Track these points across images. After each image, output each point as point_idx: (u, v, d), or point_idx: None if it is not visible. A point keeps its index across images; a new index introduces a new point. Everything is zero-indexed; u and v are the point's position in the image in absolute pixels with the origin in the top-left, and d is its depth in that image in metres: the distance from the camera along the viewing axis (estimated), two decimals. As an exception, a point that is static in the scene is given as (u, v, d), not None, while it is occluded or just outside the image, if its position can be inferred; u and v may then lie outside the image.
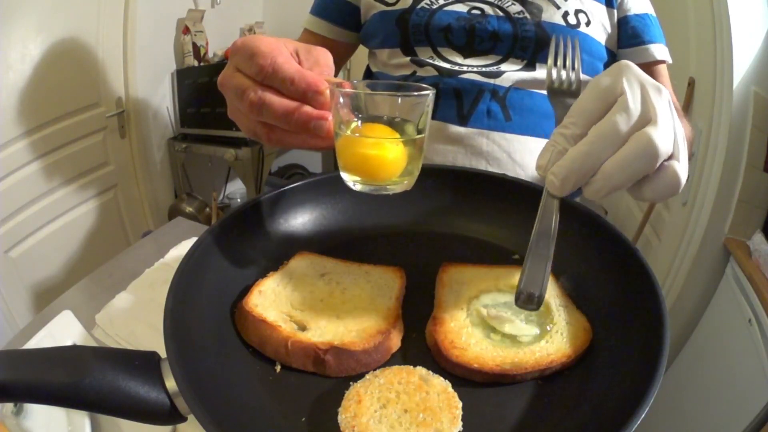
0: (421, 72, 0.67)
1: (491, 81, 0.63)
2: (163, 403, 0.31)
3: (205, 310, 0.39)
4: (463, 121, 0.64)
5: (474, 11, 0.66)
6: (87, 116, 1.50)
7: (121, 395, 0.30)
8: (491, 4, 0.66)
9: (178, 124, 1.87)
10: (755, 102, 1.14)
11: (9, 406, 0.47)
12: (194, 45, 1.82)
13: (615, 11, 0.67)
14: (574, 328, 0.40)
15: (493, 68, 0.64)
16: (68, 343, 0.57)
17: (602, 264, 0.44)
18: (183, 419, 0.32)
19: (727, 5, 1.12)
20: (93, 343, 0.60)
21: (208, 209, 1.87)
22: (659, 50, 0.70)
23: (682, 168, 0.30)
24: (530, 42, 0.63)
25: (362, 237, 0.53)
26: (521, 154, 0.64)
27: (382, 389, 0.33)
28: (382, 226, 0.53)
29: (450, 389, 0.34)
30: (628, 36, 0.68)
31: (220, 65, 1.83)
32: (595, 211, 0.48)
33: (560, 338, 0.39)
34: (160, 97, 1.79)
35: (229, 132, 1.76)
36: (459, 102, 0.64)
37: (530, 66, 0.64)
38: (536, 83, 0.64)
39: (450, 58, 0.66)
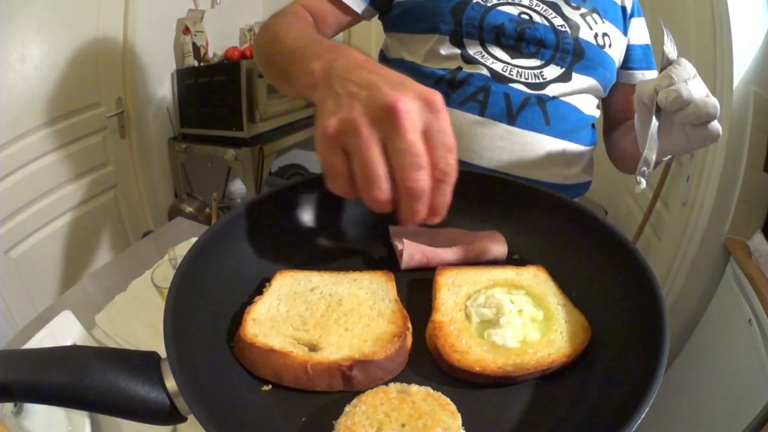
0: (468, 68, 0.68)
1: (536, 92, 0.68)
2: (163, 403, 0.31)
3: (205, 310, 0.39)
4: (511, 121, 0.68)
5: (523, 15, 0.69)
6: (87, 116, 1.50)
7: (121, 395, 0.30)
8: (539, 13, 0.70)
9: (178, 124, 1.87)
10: (755, 102, 1.14)
11: (9, 406, 0.47)
12: (194, 45, 1.82)
13: (627, 39, 0.77)
14: (573, 327, 0.40)
15: (536, 71, 0.69)
16: (68, 343, 0.57)
17: (602, 264, 0.44)
18: (183, 419, 0.32)
19: (727, 5, 1.12)
20: (93, 343, 0.60)
21: (208, 209, 1.87)
22: (650, 74, 0.80)
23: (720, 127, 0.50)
24: (569, 54, 0.69)
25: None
26: (557, 156, 0.71)
27: (369, 415, 0.32)
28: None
29: (432, 391, 0.34)
30: (633, 60, 0.78)
31: (220, 65, 1.84)
32: (595, 211, 0.48)
33: (560, 337, 0.39)
34: (160, 97, 1.79)
35: (229, 132, 1.76)
36: (508, 103, 0.68)
37: (567, 74, 0.69)
38: (573, 96, 0.70)
39: (497, 55, 0.68)
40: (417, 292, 0.45)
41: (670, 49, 0.54)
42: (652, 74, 0.79)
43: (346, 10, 0.72)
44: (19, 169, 1.31)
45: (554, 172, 0.71)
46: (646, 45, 0.79)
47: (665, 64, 0.52)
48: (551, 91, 0.69)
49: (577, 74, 0.70)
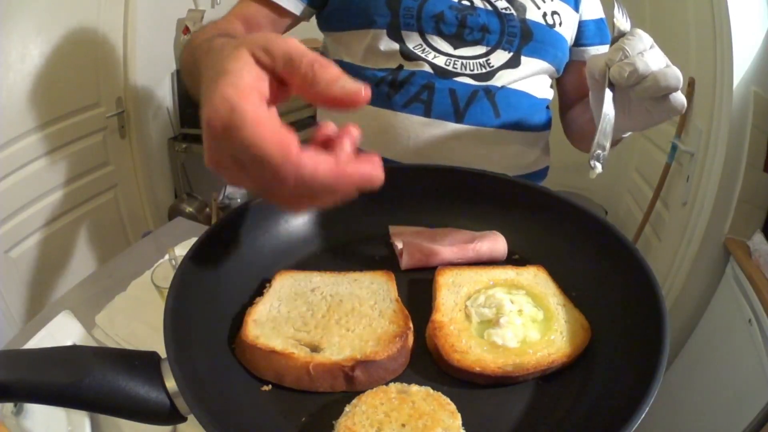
0: (410, 66, 0.65)
1: (483, 83, 0.66)
2: (163, 403, 0.31)
3: (205, 310, 0.39)
4: (459, 119, 0.66)
5: (464, 1, 0.66)
6: (87, 116, 1.50)
7: (121, 395, 0.30)
8: None
9: (178, 124, 1.87)
10: (755, 102, 1.14)
11: (9, 406, 0.47)
12: (194, 45, 1.82)
13: (579, 15, 0.73)
14: (573, 327, 0.40)
15: (482, 60, 0.66)
16: (68, 343, 0.57)
17: (602, 264, 0.44)
18: (183, 419, 0.32)
19: (727, 5, 1.12)
20: (93, 343, 0.60)
21: (208, 209, 1.87)
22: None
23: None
24: (516, 37, 0.66)
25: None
26: (510, 147, 0.69)
27: (369, 415, 0.32)
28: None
29: (432, 391, 0.34)
30: (585, 36, 0.74)
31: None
32: (595, 211, 0.48)
33: (560, 337, 0.39)
34: (160, 97, 1.79)
35: (229, 132, 1.76)
36: (454, 100, 0.65)
37: (516, 58, 0.66)
38: (522, 81, 0.67)
39: (439, 47, 0.65)
40: (417, 292, 0.45)
41: (622, 20, 0.49)
42: (607, 49, 0.75)
43: (283, 12, 0.68)
44: (19, 169, 1.31)
45: (508, 165, 0.69)
46: (600, 19, 0.75)
47: (617, 36, 0.48)
48: (500, 79, 0.66)
49: (526, 57, 0.67)
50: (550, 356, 0.37)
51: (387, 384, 0.35)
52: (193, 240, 0.43)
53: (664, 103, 0.46)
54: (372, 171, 0.30)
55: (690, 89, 1.34)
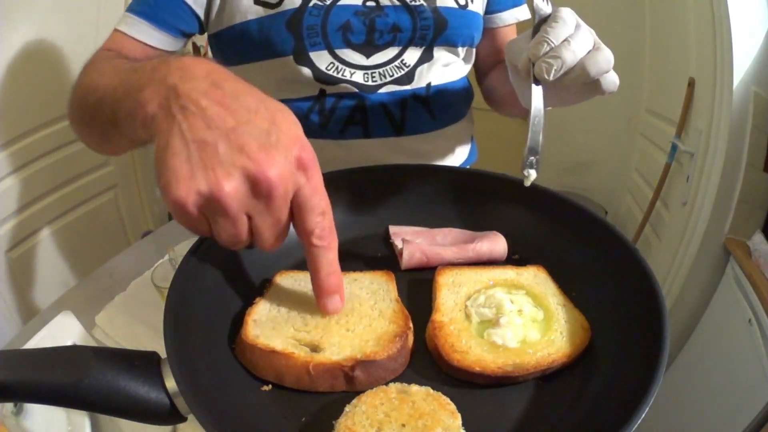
0: (332, 90, 0.62)
1: (409, 87, 0.64)
2: (163, 403, 0.31)
3: (205, 310, 0.39)
4: (399, 132, 0.65)
5: (369, 3, 0.61)
6: (87, 116, 1.50)
7: (121, 395, 0.30)
8: None
9: (178, 124, 1.87)
10: (755, 102, 1.14)
11: (9, 406, 0.47)
12: (194, 45, 1.82)
13: None
14: (573, 327, 0.40)
15: (398, 62, 0.63)
16: (68, 343, 0.57)
17: (602, 264, 0.44)
18: (183, 419, 0.32)
19: (727, 5, 1.12)
20: (93, 343, 0.60)
21: (208, 209, 1.87)
22: (520, 11, 0.73)
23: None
24: (429, 29, 0.62)
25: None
26: (449, 143, 0.69)
27: (369, 415, 0.32)
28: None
29: (432, 391, 0.34)
30: (496, 2, 0.71)
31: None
32: (595, 211, 0.48)
33: (560, 337, 0.39)
34: (160, 97, 1.79)
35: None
36: (389, 115, 0.64)
37: (428, 52, 0.64)
38: (441, 72, 0.65)
39: (352, 61, 0.61)
40: (417, 292, 0.45)
41: (542, 4, 0.44)
42: (520, 11, 0.72)
43: (159, 52, 0.61)
44: (19, 169, 1.31)
45: (450, 158, 0.69)
46: None
47: (538, 22, 0.43)
48: (421, 77, 0.63)
49: (438, 48, 0.64)
50: (550, 356, 0.37)
51: (387, 384, 0.35)
52: (193, 240, 0.43)
53: (594, 86, 0.42)
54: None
55: (690, 89, 1.34)
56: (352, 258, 0.50)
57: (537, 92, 0.42)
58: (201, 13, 0.61)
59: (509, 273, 0.46)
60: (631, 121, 1.77)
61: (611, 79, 0.42)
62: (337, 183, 0.55)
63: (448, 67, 0.66)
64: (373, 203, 0.55)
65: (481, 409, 0.35)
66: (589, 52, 0.41)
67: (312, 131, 0.64)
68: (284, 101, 0.61)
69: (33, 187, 1.35)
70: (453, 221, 0.54)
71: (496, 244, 0.49)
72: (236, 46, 0.62)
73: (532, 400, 0.36)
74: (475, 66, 0.76)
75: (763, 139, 1.15)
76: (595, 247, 0.46)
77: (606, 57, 0.41)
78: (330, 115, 0.63)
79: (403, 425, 0.31)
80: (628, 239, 0.44)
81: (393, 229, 0.52)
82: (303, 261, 0.49)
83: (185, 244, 0.74)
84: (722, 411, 1.05)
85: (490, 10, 0.71)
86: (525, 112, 0.56)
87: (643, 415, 0.29)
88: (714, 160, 1.21)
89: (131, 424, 0.32)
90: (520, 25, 0.71)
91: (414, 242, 0.49)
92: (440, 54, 0.64)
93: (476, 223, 0.53)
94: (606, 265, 0.44)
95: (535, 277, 0.45)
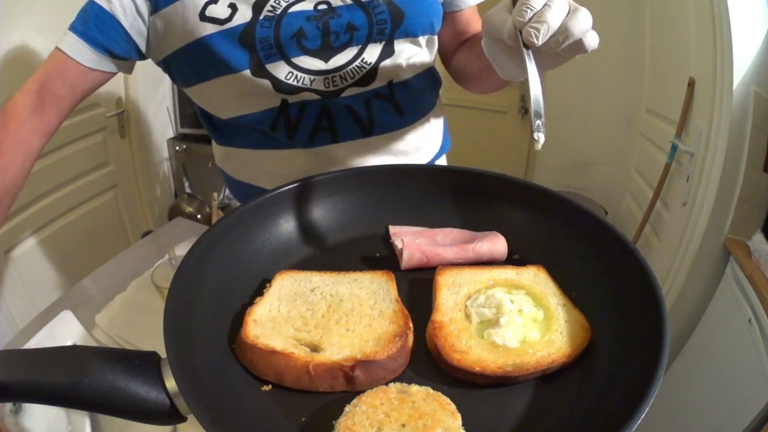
0: (294, 99, 0.61)
1: (372, 87, 0.63)
2: (163, 403, 0.31)
3: (205, 310, 0.39)
4: (367, 133, 0.64)
5: (320, 6, 0.60)
6: (87, 116, 1.50)
7: (121, 395, 0.30)
8: None
9: (178, 124, 1.87)
10: (755, 102, 1.14)
11: (8, 405, 0.47)
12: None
13: None
14: (573, 327, 0.40)
15: (358, 62, 0.61)
16: (68, 343, 0.57)
17: (602, 264, 0.44)
18: (183, 419, 0.32)
19: (727, 5, 1.12)
20: (93, 343, 0.61)
21: (208, 209, 1.87)
22: None
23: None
24: (386, 23, 0.61)
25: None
26: (419, 137, 0.68)
27: (369, 415, 0.32)
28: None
29: (432, 391, 0.34)
30: None
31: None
32: (595, 211, 0.48)
33: (560, 337, 0.39)
34: (160, 97, 1.79)
35: (229, 132, 1.76)
36: (356, 118, 0.63)
37: (389, 47, 0.62)
38: (405, 66, 0.64)
39: (310, 68, 0.60)
40: (417, 292, 0.45)
41: None
42: None
43: (88, 72, 0.58)
44: (19, 169, 1.31)
45: (421, 155, 0.69)
46: None
47: None
48: (384, 74, 0.62)
49: (399, 41, 0.62)
50: (550, 356, 0.37)
51: (387, 384, 0.35)
52: (193, 240, 0.43)
53: (577, 46, 0.42)
54: None
55: (690, 89, 1.34)
56: (352, 258, 0.50)
57: (529, 57, 0.42)
58: (141, 44, 0.60)
59: (509, 273, 0.46)
60: (631, 121, 1.77)
61: (592, 37, 0.43)
62: (337, 183, 0.56)
63: (411, 59, 0.65)
64: (373, 203, 0.55)
65: (481, 409, 0.35)
66: (568, 13, 0.41)
67: (280, 142, 0.64)
68: (247, 116, 0.58)
69: (33, 187, 1.35)
70: (453, 221, 0.54)
71: (496, 244, 0.49)
72: (191, 66, 0.61)
73: (532, 400, 0.36)
74: (440, 51, 0.74)
75: (763, 139, 1.15)
76: (595, 247, 0.46)
77: (585, 16, 0.41)
78: (297, 124, 0.62)
79: (403, 425, 0.31)
80: (628, 239, 0.44)
81: (393, 229, 0.52)
82: (303, 261, 0.50)
83: (185, 244, 0.74)
84: (722, 411, 1.05)
85: None
86: (500, 84, 0.55)
87: (643, 415, 0.29)
88: (714, 160, 1.21)
89: (131, 424, 0.32)
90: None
91: (414, 242, 0.49)
92: (401, 47, 0.63)
93: (476, 223, 0.53)
94: (606, 265, 0.44)
95: (535, 277, 0.45)
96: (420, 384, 0.35)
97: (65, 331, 0.59)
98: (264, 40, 0.57)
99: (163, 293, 0.64)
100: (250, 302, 0.42)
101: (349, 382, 0.35)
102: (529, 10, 0.41)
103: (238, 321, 0.40)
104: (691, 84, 1.33)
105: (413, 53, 0.65)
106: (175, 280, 0.38)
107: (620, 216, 1.84)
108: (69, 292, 0.76)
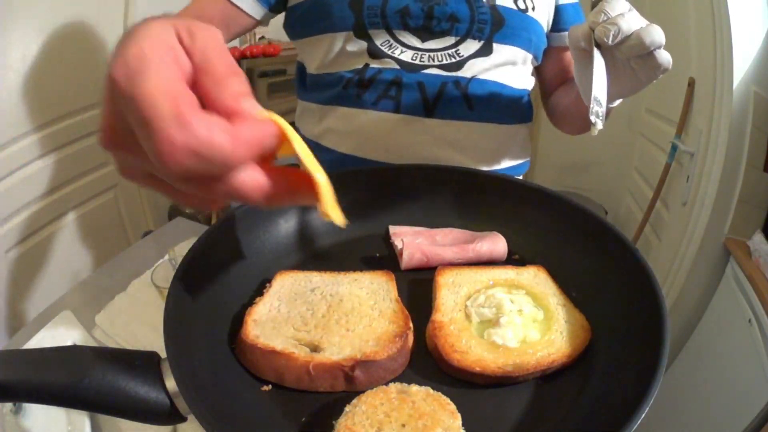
0: (376, 64, 0.65)
1: (453, 74, 0.65)
2: (163, 403, 0.31)
3: (205, 310, 0.39)
4: (429, 113, 0.65)
5: None
6: (87, 116, 1.50)
7: (121, 395, 0.30)
8: None
9: (178, 124, 1.87)
10: (755, 102, 1.14)
11: (8, 405, 0.47)
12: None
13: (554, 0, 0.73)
14: (573, 327, 0.40)
15: (452, 50, 0.64)
16: (68, 343, 0.57)
17: (602, 264, 0.44)
18: (183, 419, 0.32)
19: (727, 5, 1.12)
20: (93, 343, 0.60)
21: (208, 209, 1.87)
22: None
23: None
24: (487, 24, 0.64)
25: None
26: (486, 141, 0.68)
27: (369, 415, 0.32)
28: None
29: (432, 391, 0.34)
30: (564, 21, 0.73)
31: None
32: (595, 211, 0.48)
33: (560, 337, 0.39)
34: (160, 97, 1.79)
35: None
36: (423, 94, 0.65)
37: (487, 46, 0.65)
38: (496, 70, 0.66)
39: (407, 42, 0.64)
40: (417, 292, 0.45)
41: None
42: None
43: (241, 14, 0.66)
44: (19, 169, 1.31)
45: (482, 159, 0.69)
46: (577, 3, 0.74)
47: (595, 1, 0.49)
48: (470, 69, 0.65)
49: (498, 44, 0.65)
50: (550, 356, 0.37)
51: (387, 384, 0.35)
52: (193, 240, 0.43)
53: (650, 60, 0.46)
54: (263, 132, 0.26)
55: (690, 89, 1.34)
56: (352, 258, 0.50)
57: (598, 53, 0.46)
58: None
59: (509, 273, 0.46)
60: (631, 121, 1.77)
61: (665, 54, 0.46)
62: (337, 183, 0.55)
63: (505, 68, 0.67)
64: (373, 203, 0.55)
65: (481, 409, 0.35)
66: (641, 27, 0.45)
67: (347, 100, 0.67)
68: (330, 74, 0.64)
69: (33, 187, 1.35)
70: (453, 221, 0.54)
71: (496, 244, 0.49)
72: (302, 20, 0.68)
73: (532, 400, 0.36)
74: (541, 86, 0.78)
75: (763, 139, 1.15)
76: (595, 247, 0.46)
77: (658, 30, 0.44)
78: (367, 86, 0.65)
79: (403, 425, 0.31)
80: (628, 239, 0.44)
81: (393, 229, 0.52)
82: (303, 261, 0.50)
83: (185, 244, 0.74)
84: (722, 411, 1.05)
85: (557, 29, 0.72)
86: (585, 125, 0.55)
87: (643, 415, 0.29)
88: (714, 160, 1.21)
89: (131, 424, 0.32)
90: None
91: (414, 242, 0.49)
92: (500, 50, 0.66)
93: (476, 223, 0.53)
94: (606, 265, 0.44)
95: (535, 277, 0.45)
96: (420, 384, 0.35)
97: (65, 331, 0.59)
98: (371, 8, 0.63)
99: (163, 293, 0.64)
100: (250, 302, 0.42)
101: (349, 382, 0.35)
102: (603, 14, 0.45)
103: (238, 321, 0.40)
104: (691, 84, 1.33)
105: (510, 59, 0.67)
106: (175, 280, 0.38)
107: (620, 216, 1.84)
108: (69, 292, 0.76)
